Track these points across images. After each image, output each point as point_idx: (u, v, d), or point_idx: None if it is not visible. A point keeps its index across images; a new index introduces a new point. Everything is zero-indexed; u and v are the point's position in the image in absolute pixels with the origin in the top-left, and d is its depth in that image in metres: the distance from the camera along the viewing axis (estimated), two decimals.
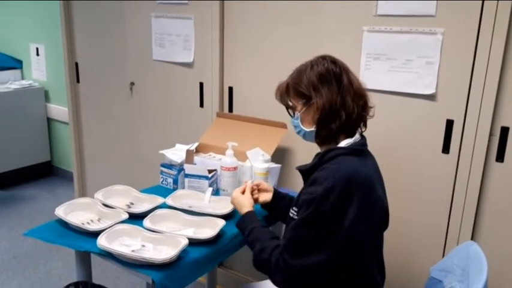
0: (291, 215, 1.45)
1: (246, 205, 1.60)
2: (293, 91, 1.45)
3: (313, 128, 1.43)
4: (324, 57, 1.44)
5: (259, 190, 1.73)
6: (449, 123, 1.78)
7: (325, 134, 1.42)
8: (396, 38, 1.83)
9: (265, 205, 1.74)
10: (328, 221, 1.29)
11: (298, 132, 1.50)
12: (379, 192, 1.41)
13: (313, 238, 1.31)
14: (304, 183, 1.47)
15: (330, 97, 1.37)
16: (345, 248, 1.31)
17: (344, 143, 1.41)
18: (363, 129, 1.48)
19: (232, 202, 1.67)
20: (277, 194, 1.74)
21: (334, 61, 1.43)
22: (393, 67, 1.85)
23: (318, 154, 1.53)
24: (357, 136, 1.43)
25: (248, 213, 1.58)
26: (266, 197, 1.72)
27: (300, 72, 1.44)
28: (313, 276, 1.34)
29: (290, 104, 1.48)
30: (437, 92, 1.79)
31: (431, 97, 1.81)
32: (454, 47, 1.73)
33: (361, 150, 1.41)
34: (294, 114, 1.49)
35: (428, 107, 1.82)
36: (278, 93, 1.51)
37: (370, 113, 1.46)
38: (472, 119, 1.72)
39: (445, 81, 1.77)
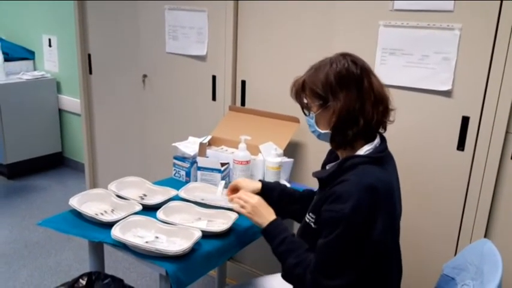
0: (307, 220, 1.42)
1: (270, 212, 1.51)
2: (309, 91, 1.35)
3: (328, 131, 1.36)
4: (344, 56, 1.34)
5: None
6: (465, 120, 1.77)
7: (340, 140, 1.35)
8: (413, 33, 1.81)
9: None
10: (358, 238, 1.25)
11: (313, 132, 1.42)
12: (397, 197, 1.38)
13: (345, 256, 1.26)
14: (321, 188, 1.43)
15: (348, 102, 1.29)
16: (375, 259, 1.29)
17: (364, 150, 1.34)
18: (383, 131, 1.41)
19: (252, 213, 1.51)
20: (265, 186, 1.67)
21: (355, 61, 1.33)
22: (409, 62, 1.84)
23: (332, 151, 1.50)
24: (377, 140, 1.37)
25: (276, 220, 1.48)
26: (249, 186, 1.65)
27: (317, 70, 1.34)
28: None
29: (305, 102, 1.39)
30: (454, 89, 1.77)
31: (447, 93, 1.79)
32: (471, 43, 1.71)
33: (381, 157, 1.34)
34: (308, 113, 1.40)
35: (444, 103, 1.81)
36: (293, 89, 1.41)
37: (391, 118, 1.39)
38: (489, 116, 1.71)
39: (461, 78, 1.75)
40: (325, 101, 1.33)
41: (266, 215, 1.49)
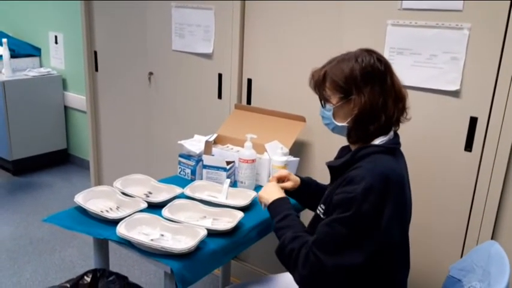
0: (318, 212, 1.42)
1: (280, 192, 1.56)
2: (331, 83, 1.35)
3: (345, 124, 1.37)
4: (369, 52, 1.35)
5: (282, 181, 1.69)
6: (473, 121, 1.75)
7: (360, 134, 1.36)
8: (421, 32, 1.79)
9: (291, 191, 1.70)
10: (367, 221, 1.24)
11: (327, 124, 1.42)
12: (408, 192, 1.38)
13: (349, 238, 1.26)
14: (333, 179, 1.44)
15: (372, 98, 1.30)
16: (380, 248, 1.28)
17: (378, 141, 1.35)
18: (396, 128, 1.42)
19: (263, 192, 1.58)
20: (302, 180, 1.71)
21: (380, 58, 1.34)
22: (417, 62, 1.82)
23: (344, 148, 1.51)
24: (391, 134, 1.38)
25: (284, 198, 1.53)
26: (292, 183, 1.67)
27: (340, 63, 1.34)
28: (343, 276, 1.29)
29: (324, 94, 1.38)
30: (462, 89, 1.76)
31: (455, 93, 1.78)
32: (480, 42, 1.70)
33: (394, 148, 1.36)
34: (325, 105, 1.40)
35: (452, 103, 1.79)
36: (312, 80, 1.40)
37: (408, 116, 1.40)
38: (497, 116, 1.69)
39: (470, 78, 1.74)
40: (347, 94, 1.34)
41: (275, 193, 1.54)
